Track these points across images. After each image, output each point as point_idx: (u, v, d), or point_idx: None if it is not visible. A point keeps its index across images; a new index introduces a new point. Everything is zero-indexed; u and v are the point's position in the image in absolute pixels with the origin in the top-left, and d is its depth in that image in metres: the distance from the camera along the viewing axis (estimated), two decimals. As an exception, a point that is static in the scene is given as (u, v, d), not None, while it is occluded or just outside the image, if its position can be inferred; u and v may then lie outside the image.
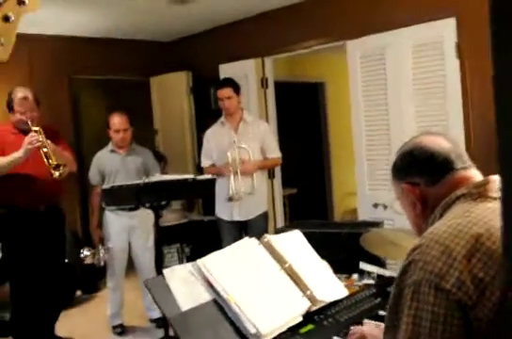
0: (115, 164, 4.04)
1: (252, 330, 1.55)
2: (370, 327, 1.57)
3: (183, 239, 4.77)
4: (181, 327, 1.54)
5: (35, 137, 3.34)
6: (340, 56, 4.65)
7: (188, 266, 1.73)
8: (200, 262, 1.71)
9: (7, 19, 1.47)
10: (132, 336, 4.03)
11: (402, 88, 3.88)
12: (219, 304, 1.63)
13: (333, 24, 4.46)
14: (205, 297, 1.65)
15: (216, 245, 3.75)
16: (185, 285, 1.68)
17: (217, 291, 1.65)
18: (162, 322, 3.62)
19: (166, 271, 1.69)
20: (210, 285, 1.67)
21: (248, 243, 1.87)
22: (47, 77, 5.16)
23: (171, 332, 2.89)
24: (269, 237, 1.90)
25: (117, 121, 4.01)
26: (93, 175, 4.10)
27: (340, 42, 4.42)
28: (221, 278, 1.68)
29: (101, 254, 3.84)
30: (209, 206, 4.21)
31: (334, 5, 4.44)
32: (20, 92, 3.53)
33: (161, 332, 3.34)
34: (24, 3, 1.51)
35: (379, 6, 4.06)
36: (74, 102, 5.87)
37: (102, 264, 3.95)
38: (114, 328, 4.09)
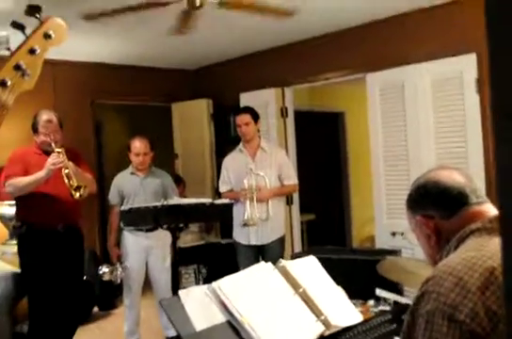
0: (134, 186, 4.11)
1: (266, 353, 1.55)
2: None
3: (200, 260, 4.81)
4: (195, 347, 1.55)
5: (57, 158, 3.42)
6: (360, 87, 4.72)
7: (204, 287, 1.74)
8: (215, 284, 1.72)
9: (33, 52, 1.55)
10: (148, 353, 4.03)
11: (421, 121, 3.91)
12: (233, 326, 1.64)
13: (354, 56, 4.54)
14: (219, 318, 1.66)
15: (233, 267, 3.77)
16: (200, 306, 1.69)
17: (232, 313, 1.66)
18: (177, 340, 3.61)
19: (181, 292, 1.70)
20: (224, 307, 1.68)
21: (263, 267, 1.88)
22: (71, 101, 5.30)
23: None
24: (284, 262, 1.91)
25: (138, 144, 4.10)
26: (113, 196, 4.18)
27: (360, 75, 4.49)
28: (236, 300, 1.69)
29: (118, 272, 3.87)
30: (226, 229, 4.25)
31: (355, 38, 4.53)
32: (45, 115, 3.64)
33: (178, 350, 3.32)
34: (50, 37, 1.58)
35: (399, 40, 4.13)
36: (97, 125, 6.00)
37: (118, 281, 3.97)
38: None
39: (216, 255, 4.83)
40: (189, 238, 5.01)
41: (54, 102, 5.08)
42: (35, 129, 3.66)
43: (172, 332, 4.02)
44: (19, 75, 1.59)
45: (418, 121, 3.93)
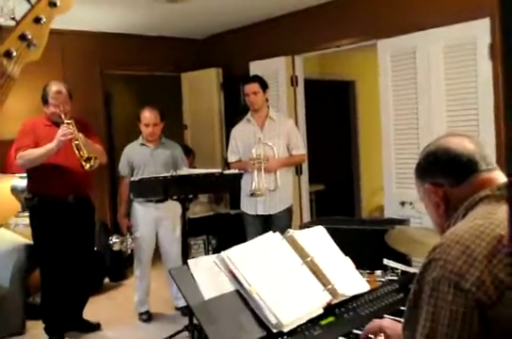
0: (144, 157, 4.12)
1: (273, 321, 1.57)
2: (388, 320, 1.58)
3: (209, 231, 4.85)
4: (203, 314, 1.58)
5: (67, 129, 3.43)
6: (371, 55, 4.63)
7: (212, 257, 1.76)
8: (224, 253, 1.74)
9: (38, 20, 1.51)
10: (157, 323, 4.12)
11: (432, 89, 3.85)
12: (242, 295, 1.66)
13: (365, 23, 4.44)
14: (228, 287, 1.68)
15: (242, 238, 3.80)
16: (209, 276, 1.71)
17: (240, 282, 1.68)
18: (187, 310, 3.70)
19: (190, 261, 1.72)
20: (233, 276, 1.70)
21: (271, 237, 1.89)
22: (80, 72, 5.27)
23: (196, 321, 2.95)
24: (292, 232, 1.92)
25: (147, 115, 4.09)
26: (123, 167, 4.19)
27: (371, 42, 4.40)
28: (244, 269, 1.70)
29: (128, 242, 3.92)
30: (236, 200, 4.27)
31: (366, 4, 4.42)
32: (54, 86, 3.63)
33: (186, 320, 3.40)
34: (55, 5, 1.54)
35: (411, 5, 4.03)
36: (106, 96, 5.98)
37: (129, 251, 4.04)
38: (140, 314, 4.20)
39: (225, 226, 4.86)
40: (198, 209, 5.04)
41: (63, 72, 5.05)
42: (45, 100, 3.66)
43: (182, 303, 4.11)
44: (24, 46, 1.56)
45: (429, 89, 3.87)
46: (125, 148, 4.25)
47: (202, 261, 1.75)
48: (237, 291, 1.68)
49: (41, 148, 3.49)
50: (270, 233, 1.91)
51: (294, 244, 1.87)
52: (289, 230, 1.93)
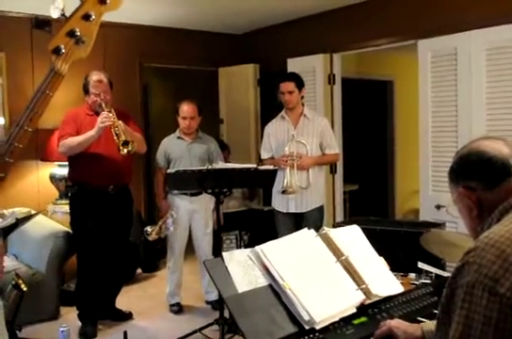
0: (180, 150, 4.17)
1: (306, 317, 1.58)
2: (398, 321, 1.57)
3: (242, 227, 4.87)
4: (236, 307, 1.59)
5: (107, 116, 3.48)
6: (410, 55, 4.57)
7: (247, 251, 1.77)
8: (258, 248, 1.75)
9: (87, 17, 1.51)
10: (188, 315, 4.16)
11: (473, 91, 3.77)
12: (275, 290, 1.67)
13: (405, 22, 4.38)
14: (261, 281, 1.69)
15: (275, 234, 3.81)
16: (243, 269, 1.72)
17: (274, 277, 1.68)
18: (217, 304, 3.74)
19: (225, 254, 1.74)
20: (267, 271, 1.71)
21: (305, 234, 1.89)
22: (120, 64, 5.35)
23: (226, 315, 2.98)
24: (327, 230, 1.91)
25: (185, 108, 4.13)
26: (160, 158, 4.25)
27: (411, 41, 4.35)
28: (278, 265, 1.71)
29: (170, 221, 3.96)
30: (269, 196, 4.27)
31: (407, 3, 4.36)
32: (95, 75, 3.70)
33: (216, 314, 3.43)
34: (105, 2, 1.54)
35: (453, 5, 3.96)
36: (144, 88, 6.05)
37: (171, 229, 4.03)
38: (171, 306, 4.24)
39: (258, 222, 4.88)
40: (232, 204, 5.07)
41: (104, 64, 5.13)
42: (86, 90, 3.73)
43: (213, 296, 4.16)
44: (73, 42, 1.57)
45: (470, 91, 3.79)
46: (163, 140, 4.30)
47: (236, 254, 1.76)
48: (270, 286, 1.68)
49: (82, 135, 3.56)
50: (305, 229, 1.91)
51: (328, 242, 1.87)
52: (324, 227, 1.93)
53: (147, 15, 5.17)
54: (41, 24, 1.99)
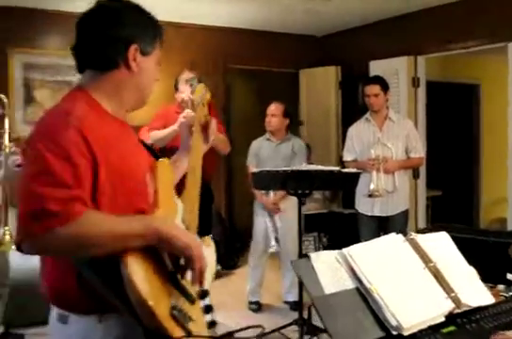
0: (268, 151, 4.29)
1: (393, 322, 1.56)
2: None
3: (321, 228, 4.87)
4: (323, 308, 1.60)
5: (190, 112, 3.59)
6: (499, 58, 4.40)
7: (334, 252, 1.78)
8: (345, 250, 1.75)
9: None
10: (266, 314, 4.22)
11: None
12: (362, 293, 1.67)
13: (494, 24, 4.22)
14: (348, 284, 1.69)
15: (355, 237, 3.79)
16: (329, 270, 1.72)
17: (361, 280, 1.68)
18: (296, 305, 3.76)
19: (312, 254, 1.75)
20: (354, 274, 1.71)
21: (393, 238, 1.87)
22: (206, 65, 5.49)
23: (304, 315, 3.00)
24: (415, 235, 1.88)
25: (272, 107, 4.27)
26: (251, 159, 4.39)
27: (500, 44, 4.19)
28: (365, 268, 1.70)
29: (278, 224, 4.03)
30: (349, 199, 4.26)
31: (496, 2, 4.20)
32: (186, 74, 3.84)
33: (293, 314, 3.45)
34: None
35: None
36: (227, 89, 6.17)
37: (278, 225, 4.07)
38: (250, 303, 4.31)
39: (338, 224, 4.87)
40: (312, 206, 5.09)
41: (190, 64, 5.29)
42: (177, 88, 3.88)
43: (292, 297, 4.18)
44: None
45: None
46: (252, 142, 4.45)
47: (323, 255, 1.77)
48: (357, 289, 1.68)
49: (167, 129, 3.70)
50: (393, 234, 1.89)
51: (416, 247, 1.84)
52: (411, 233, 1.90)
53: (232, 18, 5.29)
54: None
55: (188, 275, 1.47)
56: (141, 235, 1.28)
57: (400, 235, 1.88)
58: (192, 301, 1.47)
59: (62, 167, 1.20)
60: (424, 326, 1.60)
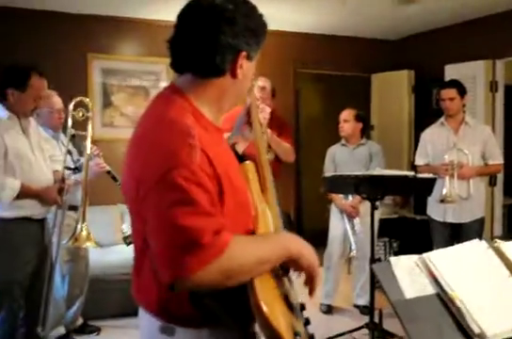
0: (343, 156, 4.31)
1: (476, 330, 1.53)
2: None
3: (392, 234, 4.80)
4: (404, 312, 1.59)
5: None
6: None
7: (414, 257, 1.76)
8: (426, 255, 1.73)
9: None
10: (336, 316, 4.20)
11: None
12: (443, 299, 1.64)
13: None
14: (429, 289, 1.67)
15: (426, 244, 3.71)
16: (409, 276, 1.71)
17: (442, 286, 1.65)
18: (366, 309, 3.73)
19: (392, 259, 1.75)
20: (434, 279, 1.69)
21: (476, 244, 1.83)
22: (276, 70, 5.52)
23: (376, 319, 2.97)
24: (500, 242, 1.84)
25: (344, 113, 4.29)
26: (328, 165, 4.39)
27: None
28: (447, 274, 1.68)
29: (357, 228, 4.05)
30: (420, 205, 4.17)
31: None
32: (260, 82, 3.92)
33: (363, 318, 3.42)
34: None
35: None
36: (297, 94, 6.20)
37: (357, 229, 4.09)
38: (322, 305, 4.30)
39: (409, 230, 4.78)
40: (383, 211, 5.03)
41: (260, 70, 5.36)
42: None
43: (362, 301, 4.16)
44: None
45: None
46: (329, 148, 4.48)
47: (403, 260, 1.76)
48: (437, 294, 1.66)
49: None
50: (476, 240, 1.85)
51: (500, 255, 1.79)
52: (496, 240, 1.86)
53: (302, 23, 5.32)
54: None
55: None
56: (282, 257, 1.29)
57: (484, 242, 1.84)
58: (306, 324, 1.48)
59: (199, 194, 1.12)
60: (509, 335, 1.56)
